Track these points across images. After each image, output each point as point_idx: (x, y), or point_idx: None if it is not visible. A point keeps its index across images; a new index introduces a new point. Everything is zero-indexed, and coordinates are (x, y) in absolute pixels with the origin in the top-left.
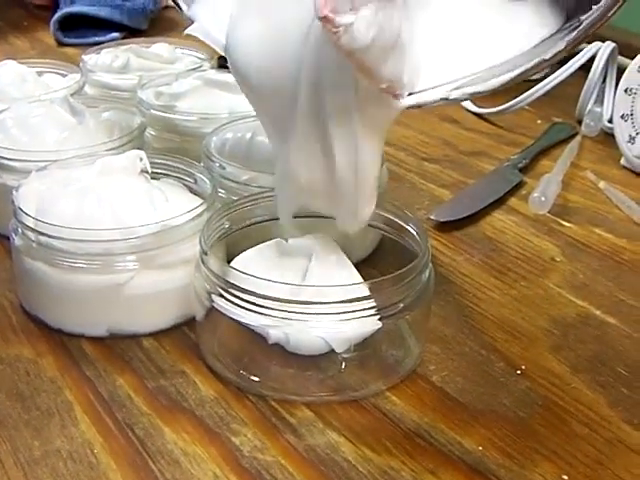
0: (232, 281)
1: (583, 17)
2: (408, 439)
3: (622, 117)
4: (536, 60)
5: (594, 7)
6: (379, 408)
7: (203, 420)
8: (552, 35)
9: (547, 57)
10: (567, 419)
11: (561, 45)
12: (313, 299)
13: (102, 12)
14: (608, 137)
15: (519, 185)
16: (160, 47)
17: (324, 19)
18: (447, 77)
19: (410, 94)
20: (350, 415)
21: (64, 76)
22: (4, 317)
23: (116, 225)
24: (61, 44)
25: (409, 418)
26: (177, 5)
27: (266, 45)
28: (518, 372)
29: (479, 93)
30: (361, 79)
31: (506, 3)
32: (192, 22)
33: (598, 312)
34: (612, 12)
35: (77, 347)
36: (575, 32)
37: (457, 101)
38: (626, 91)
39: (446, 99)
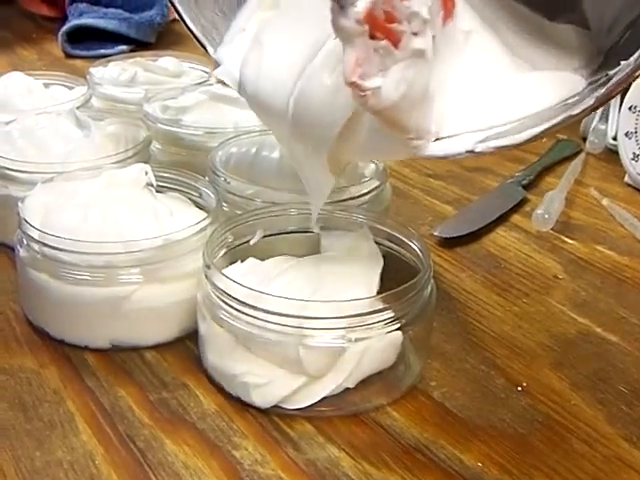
0: (235, 295)
1: (611, 72)
2: (408, 454)
3: (626, 135)
4: (563, 116)
5: (623, 63)
6: (379, 423)
7: (204, 433)
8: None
9: (574, 113)
10: (567, 436)
11: (590, 102)
12: (316, 314)
13: (110, 25)
14: (612, 154)
15: (522, 202)
16: (167, 61)
17: (352, 85)
18: (473, 126)
19: (436, 139)
20: (350, 430)
21: (71, 88)
22: (8, 328)
23: (120, 238)
24: (69, 56)
25: (409, 433)
26: (204, 48)
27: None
28: (519, 389)
29: (505, 147)
30: (388, 130)
31: (543, 47)
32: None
33: (599, 329)
34: None
35: (80, 358)
36: (604, 89)
37: (482, 154)
38: (630, 109)
39: (472, 151)
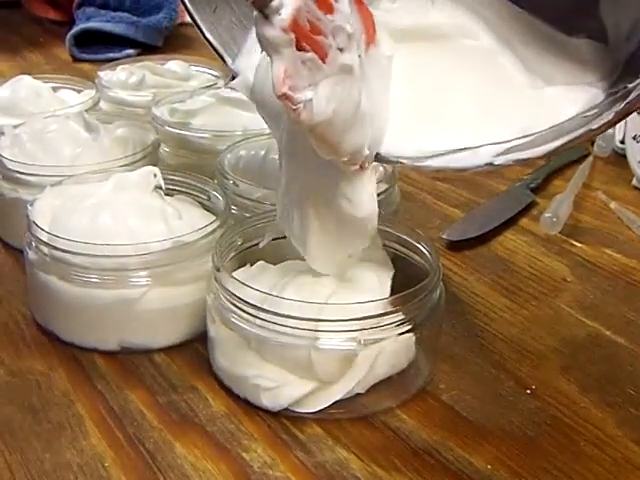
0: (244, 297)
1: (630, 85)
2: (417, 457)
3: (634, 138)
4: (583, 130)
5: None
6: (389, 425)
7: (213, 435)
8: (598, 103)
9: (594, 127)
10: (575, 438)
11: (609, 116)
12: (327, 317)
13: (117, 28)
14: (620, 158)
15: (531, 205)
16: (175, 64)
17: (282, 96)
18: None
19: (440, 155)
20: (360, 432)
21: (79, 92)
22: (17, 330)
23: (129, 241)
24: (76, 60)
25: (418, 436)
26: (222, 58)
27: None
28: (527, 391)
29: (524, 160)
30: (322, 154)
31: (556, 61)
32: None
33: (608, 332)
34: None
35: (89, 361)
36: (623, 104)
37: (501, 167)
38: (639, 112)
39: (491, 164)
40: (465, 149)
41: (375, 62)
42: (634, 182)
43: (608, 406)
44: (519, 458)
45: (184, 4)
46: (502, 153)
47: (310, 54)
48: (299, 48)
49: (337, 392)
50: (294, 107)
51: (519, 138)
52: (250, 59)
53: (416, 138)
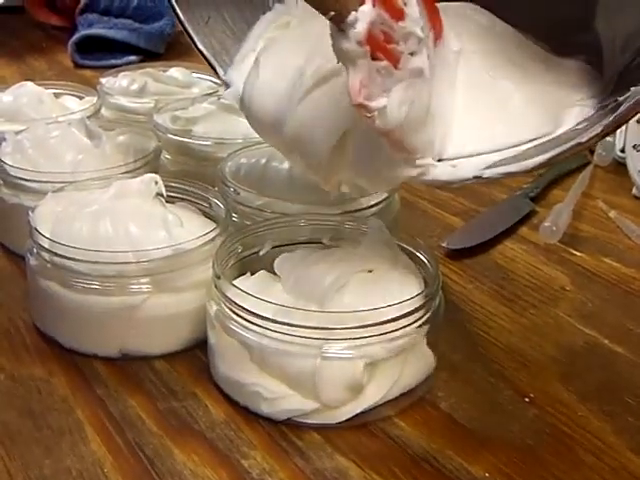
0: (244, 305)
1: (621, 98)
2: (415, 465)
3: (634, 147)
4: (571, 143)
5: (632, 90)
6: (387, 433)
7: (213, 442)
8: (589, 116)
9: (583, 141)
10: (574, 447)
11: (597, 129)
12: (326, 325)
13: (119, 35)
14: (620, 167)
15: (530, 214)
16: (177, 71)
17: (358, 106)
18: (477, 147)
19: (440, 160)
20: (358, 440)
21: (81, 98)
22: (18, 336)
23: (130, 248)
24: (78, 66)
25: (417, 444)
26: (214, 69)
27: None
28: (526, 400)
29: (512, 174)
30: (394, 153)
31: (544, 80)
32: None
33: (606, 341)
34: None
35: (89, 367)
36: (612, 117)
37: (489, 180)
38: (638, 122)
39: (479, 177)
40: (453, 160)
41: (442, 59)
42: (634, 191)
43: (607, 415)
44: (517, 466)
45: (177, 16)
46: (490, 166)
47: (384, 62)
48: (373, 58)
49: (342, 414)
50: (369, 115)
51: (505, 149)
52: (241, 70)
53: None
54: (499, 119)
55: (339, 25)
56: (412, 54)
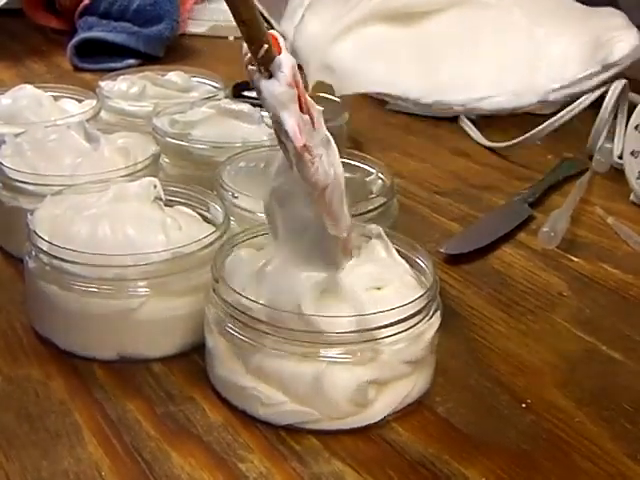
0: (243, 309)
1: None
2: (412, 469)
3: (632, 154)
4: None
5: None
6: (384, 438)
7: (210, 446)
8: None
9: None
10: (570, 453)
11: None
12: (322, 329)
13: (118, 38)
14: (618, 173)
15: (528, 220)
16: (176, 75)
17: (304, 148)
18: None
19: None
20: (355, 444)
21: (80, 101)
22: (16, 338)
23: (129, 251)
24: (77, 69)
25: (414, 449)
26: (268, 23)
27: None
28: (523, 405)
29: (577, 94)
30: (332, 225)
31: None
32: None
33: (604, 347)
34: None
35: (87, 370)
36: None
37: (555, 103)
38: (636, 128)
39: (544, 101)
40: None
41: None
42: (632, 197)
43: (603, 421)
44: (514, 472)
45: None
46: (556, 90)
47: (307, 116)
48: (300, 108)
49: (345, 424)
50: (313, 160)
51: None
52: (292, 21)
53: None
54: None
55: (268, 68)
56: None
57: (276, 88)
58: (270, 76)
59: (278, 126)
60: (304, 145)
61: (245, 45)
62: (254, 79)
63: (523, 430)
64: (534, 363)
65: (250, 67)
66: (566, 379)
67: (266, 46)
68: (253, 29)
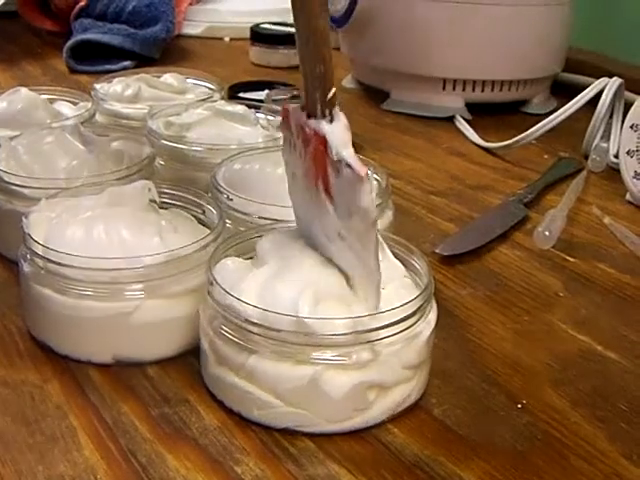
0: (238, 312)
1: None
2: (408, 471)
3: (628, 153)
4: None
5: None
6: (380, 440)
7: (206, 448)
8: None
9: None
10: (566, 453)
11: None
12: (318, 331)
13: (114, 40)
14: (614, 173)
15: (524, 220)
16: (171, 77)
17: (366, 175)
18: None
19: None
20: (351, 446)
21: (75, 104)
22: (11, 342)
23: (124, 254)
24: (73, 71)
25: (409, 450)
26: None
27: None
28: (519, 406)
29: None
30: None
31: None
32: None
33: (600, 347)
34: None
35: (83, 373)
36: None
37: None
38: (632, 127)
39: None
40: None
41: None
42: (628, 197)
43: (599, 421)
44: (510, 473)
45: None
46: None
47: None
48: None
49: (344, 428)
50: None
51: None
52: None
53: None
54: None
55: (331, 111)
56: None
57: (342, 129)
58: (332, 120)
59: (336, 165)
60: (367, 173)
61: (301, 88)
62: (306, 121)
63: (519, 431)
64: (530, 363)
65: (293, 107)
66: (562, 379)
67: (334, 89)
68: (330, 69)
